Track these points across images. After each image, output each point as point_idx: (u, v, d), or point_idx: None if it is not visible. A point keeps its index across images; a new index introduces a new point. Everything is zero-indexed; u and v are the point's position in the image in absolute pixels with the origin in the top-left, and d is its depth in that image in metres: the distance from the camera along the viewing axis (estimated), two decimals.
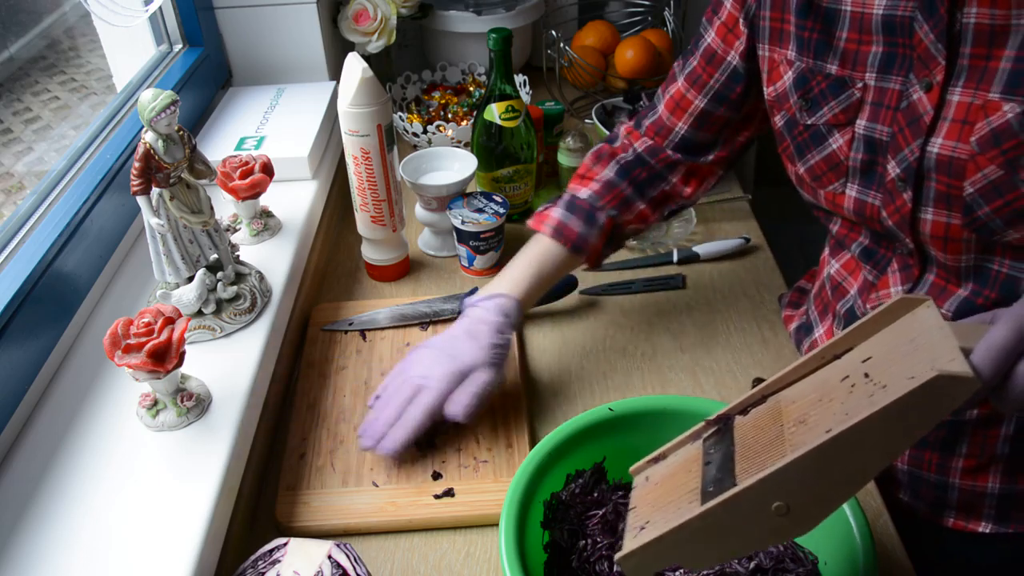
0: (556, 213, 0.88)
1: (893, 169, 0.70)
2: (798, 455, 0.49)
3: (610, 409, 0.73)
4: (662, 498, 0.57)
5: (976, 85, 0.63)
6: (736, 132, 0.89)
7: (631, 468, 0.64)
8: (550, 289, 1.01)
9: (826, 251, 0.91)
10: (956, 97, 0.64)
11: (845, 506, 0.64)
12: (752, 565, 0.67)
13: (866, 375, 0.52)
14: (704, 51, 0.85)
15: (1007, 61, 0.60)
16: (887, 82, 0.69)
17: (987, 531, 0.82)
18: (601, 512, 0.70)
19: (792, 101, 0.77)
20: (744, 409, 0.59)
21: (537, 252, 0.88)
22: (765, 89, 0.81)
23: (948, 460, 0.80)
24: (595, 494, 0.72)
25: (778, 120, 0.80)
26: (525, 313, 0.87)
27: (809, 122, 0.76)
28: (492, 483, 0.79)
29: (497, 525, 0.76)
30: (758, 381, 0.63)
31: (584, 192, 0.90)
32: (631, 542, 0.55)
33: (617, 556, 0.56)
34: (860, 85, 0.71)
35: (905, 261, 0.76)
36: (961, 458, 0.80)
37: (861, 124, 0.72)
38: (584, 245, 0.87)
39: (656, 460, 0.63)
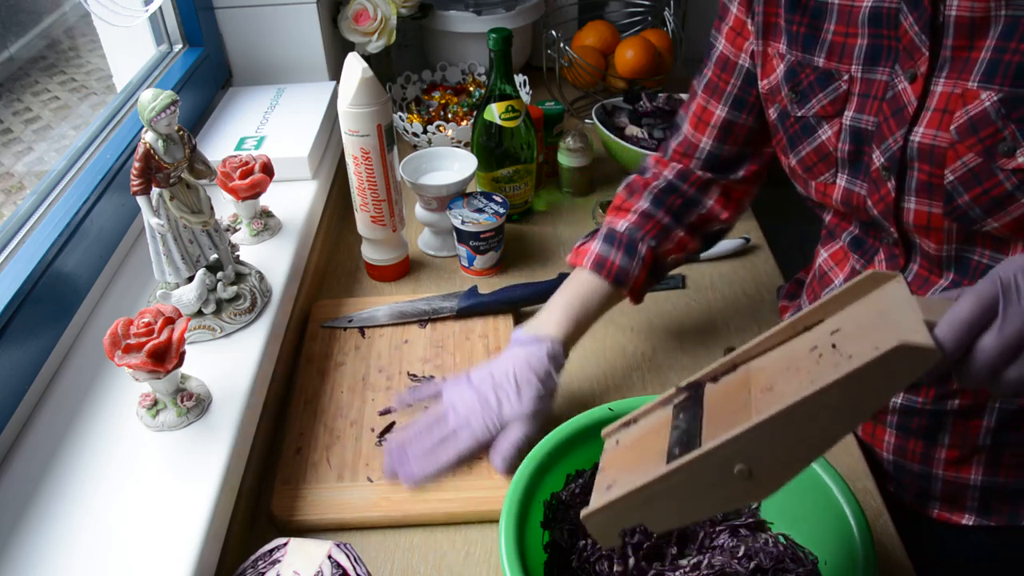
0: (595, 247, 0.86)
1: (878, 158, 0.71)
2: (761, 420, 0.50)
3: (610, 409, 0.73)
4: (630, 461, 0.59)
5: (958, 75, 0.64)
6: (762, 142, 0.89)
7: (603, 431, 0.65)
8: (549, 288, 1.01)
9: (820, 242, 0.92)
10: (939, 87, 0.66)
11: (845, 506, 0.64)
12: (752, 565, 0.67)
13: (833, 346, 0.53)
14: (717, 60, 0.85)
15: (986, 51, 0.62)
16: (873, 73, 0.70)
17: (970, 523, 0.83)
18: None
19: (783, 94, 0.78)
20: (715, 376, 0.60)
21: (579, 288, 0.85)
22: (760, 82, 0.81)
23: (931, 450, 0.81)
24: None
25: (772, 113, 0.81)
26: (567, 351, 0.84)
27: (799, 114, 0.77)
28: (487, 479, 0.79)
29: (492, 521, 0.77)
30: (730, 350, 0.63)
31: (622, 224, 0.87)
32: (596, 501, 0.57)
33: (582, 514, 0.57)
34: (846, 77, 0.72)
35: (891, 251, 0.77)
36: (944, 448, 0.81)
37: (848, 115, 0.73)
38: (626, 278, 0.85)
39: (627, 424, 0.64)
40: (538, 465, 0.68)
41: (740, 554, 0.67)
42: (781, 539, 0.69)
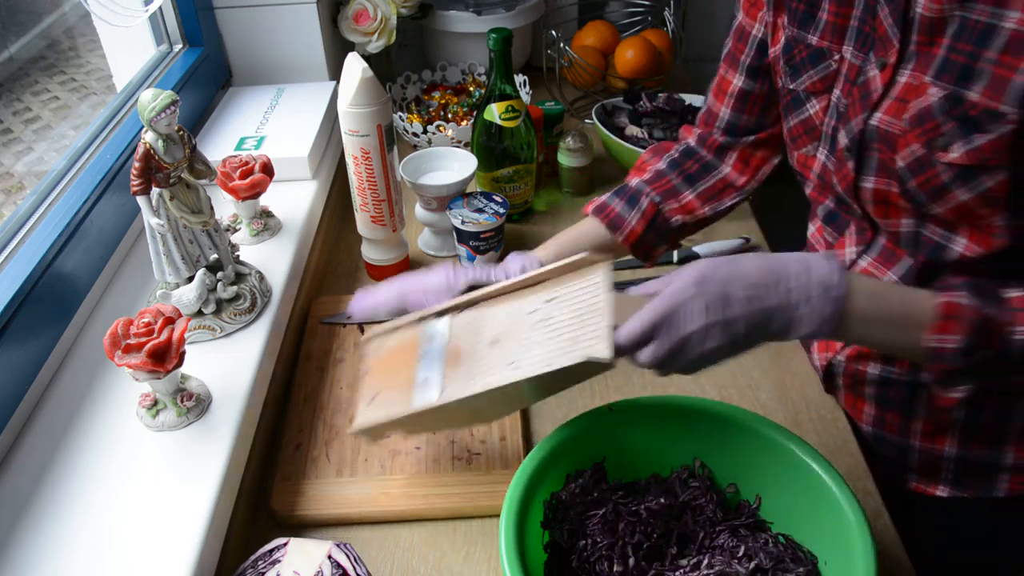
0: (604, 197, 0.91)
1: (843, 139, 0.74)
2: (482, 390, 0.65)
3: (610, 409, 0.73)
4: (390, 373, 0.72)
5: (919, 69, 0.67)
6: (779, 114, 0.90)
7: (363, 337, 0.78)
8: None
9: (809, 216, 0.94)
10: (903, 78, 0.68)
11: (845, 506, 0.64)
12: (752, 565, 0.67)
13: (546, 318, 0.67)
14: (735, 30, 0.87)
15: (943, 49, 0.64)
16: (856, 58, 0.73)
17: (944, 495, 0.84)
18: (601, 512, 0.70)
19: (780, 65, 0.81)
20: (459, 309, 0.73)
21: (576, 229, 0.90)
22: (769, 51, 0.84)
23: (908, 422, 0.83)
24: (595, 494, 0.72)
25: (777, 81, 0.84)
26: None
27: (791, 87, 0.80)
28: (485, 474, 0.80)
29: (489, 516, 0.77)
30: (471, 288, 0.75)
31: (634, 180, 0.92)
32: (362, 413, 0.72)
33: (351, 428, 0.72)
34: (837, 57, 0.75)
35: (860, 224, 0.79)
36: (920, 420, 0.82)
37: (835, 94, 0.75)
38: (620, 223, 0.88)
39: (388, 333, 0.76)
40: (538, 465, 0.68)
41: (740, 554, 0.67)
42: (781, 539, 0.69)
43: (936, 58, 0.64)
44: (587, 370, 0.63)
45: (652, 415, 0.74)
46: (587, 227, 0.90)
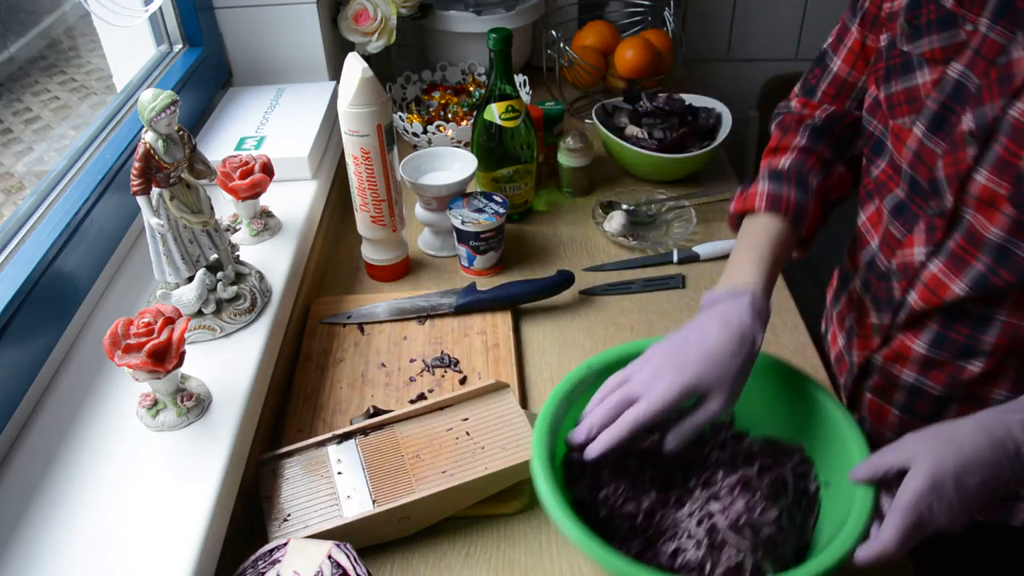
0: (764, 187, 0.80)
1: (967, 122, 0.67)
2: (424, 495, 0.73)
3: (589, 368, 0.75)
4: (302, 495, 0.75)
5: None
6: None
7: (261, 458, 0.78)
8: (547, 285, 1.01)
9: (858, 204, 0.88)
10: None
11: (815, 392, 0.71)
12: (757, 465, 0.70)
13: (467, 433, 0.78)
14: None
15: None
16: (993, 32, 0.66)
17: None
18: (611, 458, 0.71)
19: (899, 23, 0.74)
20: (365, 431, 0.79)
21: (761, 233, 0.78)
22: (882, 5, 0.77)
23: None
24: None
25: (882, 39, 0.77)
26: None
27: (906, 48, 0.73)
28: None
29: (489, 516, 0.78)
30: (375, 410, 0.83)
31: (783, 162, 0.83)
32: (273, 531, 0.72)
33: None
34: (969, 28, 0.67)
35: (932, 222, 0.73)
36: None
37: (956, 68, 0.69)
38: (804, 213, 0.79)
39: (283, 456, 0.78)
40: (551, 421, 0.70)
41: (739, 462, 0.72)
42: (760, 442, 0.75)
43: None
44: (513, 475, 0.75)
45: (623, 362, 0.72)
46: (769, 227, 0.78)
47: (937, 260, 0.73)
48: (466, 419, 0.80)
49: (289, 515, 0.73)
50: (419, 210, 1.12)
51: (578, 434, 0.69)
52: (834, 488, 0.69)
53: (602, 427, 0.67)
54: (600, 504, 0.70)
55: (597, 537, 0.61)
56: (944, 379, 0.78)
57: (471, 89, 1.47)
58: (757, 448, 0.74)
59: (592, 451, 0.67)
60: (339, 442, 0.79)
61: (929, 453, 0.60)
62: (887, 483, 0.63)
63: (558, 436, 0.71)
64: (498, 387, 0.82)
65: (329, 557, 0.65)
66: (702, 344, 0.67)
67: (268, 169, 0.97)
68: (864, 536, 0.61)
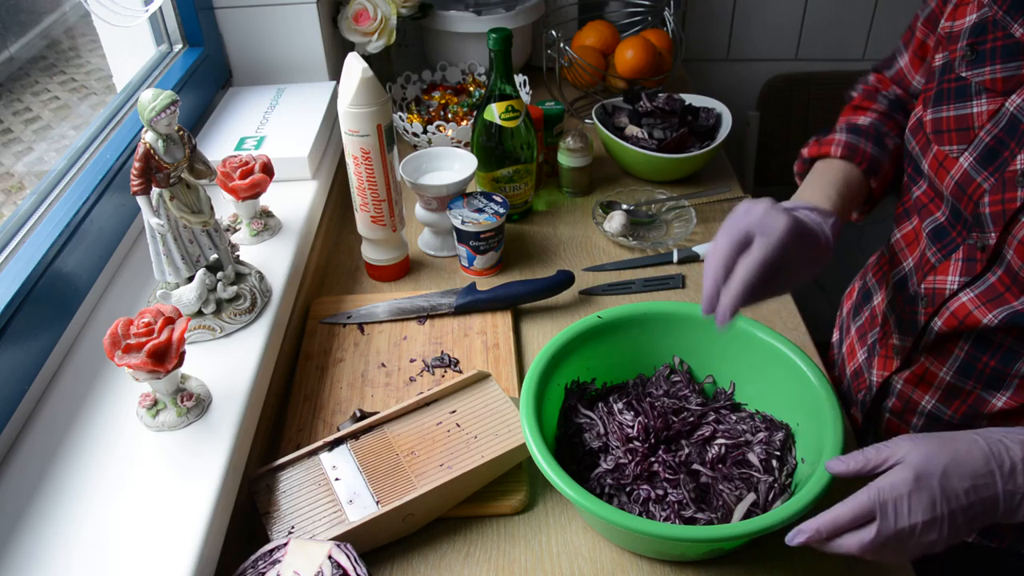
0: (842, 137, 0.80)
1: (1021, 162, 0.65)
2: (427, 490, 0.73)
3: (599, 317, 0.82)
4: (302, 507, 0.74)
5: None
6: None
7: (252, 478, 0.77)
8: (547, 285, 1.01)
9: (894, 220, 0.87)
10: None
11: (810, 374, 0.75)
12: (744, 428, 0.78)
13: (457, 424, 0.79)
14: None
15: None
16: None
17: (972, 540, 0.81)
18: (617, 408, 0.80)
19: (960, 45, 0.72)
20: (356, 435, 0.79)
21: (837, 173, 0.77)
22: (942, 22, 0.75)
23: None
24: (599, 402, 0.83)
25: (938, 59, 0.75)
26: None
27: (964, 74, 0.70)
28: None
29: (489, 516, 0.78)
30: (362, 413, 0.83)
31: (864, 119, 0.83)
32: (277, 539, 0.70)
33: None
34: None
35: (973, 252, 0.72)
36: None
37: (1016, 102, 0.66)
38: (879, 167, 0.78)
39: (276, 470, 0.77)
40: (543, 370, 0.77)
41: (731, 423, 0.79)
42: (758, 415, 0.80)
43: None
44: (510, 460, 0.77)
45: (635, 321, 0.83)
46: (844, 170, 0.78)
47: (971, 291, 0.71)
48: (454, 411, 0.80)
49: (293, 527, 0.72)
50: (419, 210, 1.12)
51: (705, 307, 0.66)
52: (807, 465, 0.74)
53: (716, 287, 0.64)
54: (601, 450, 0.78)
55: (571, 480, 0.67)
56: (964, 410, 0.77)
57: (471, 89, 1.47)
58: (752, 417, 0.80)
59: (722, 317, 0.64)
60: (331, 449, 0.79)
61: (921, 449, 0.59)
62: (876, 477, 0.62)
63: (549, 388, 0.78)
64: (480, 377, 0.83)
65: (329, 557, 0.65)
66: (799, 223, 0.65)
67: (268, 169, 0.97)
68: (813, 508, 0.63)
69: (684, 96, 1.35)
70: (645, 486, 0.74)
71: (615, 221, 1.15)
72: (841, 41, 1.96)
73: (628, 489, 0.75)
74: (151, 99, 0.73)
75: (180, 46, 1.24)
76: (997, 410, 0.74)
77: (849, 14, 1.92)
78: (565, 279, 1.03)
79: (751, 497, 0.73)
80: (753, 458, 0.76)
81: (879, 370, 0.86)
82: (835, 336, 1.01)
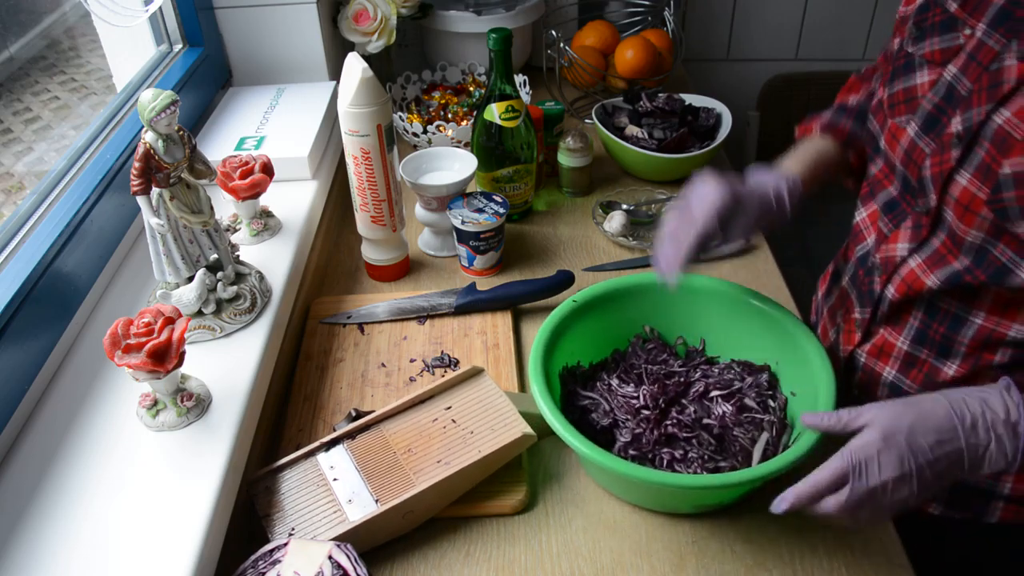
0: (826, 116, 0.89)
1: (956, 124, 0.70)
2: (426, 487, 0.73)
3: (574, 301, 0.86)
4: (302, 508, 0.74)
5: None
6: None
7: (251, 480, 0.77)
8: (547, 285, 1.01)
9: (859, 200, 0.92)
10: None
11: (780, 316, 0.81)
12: (731, 376, 0.84)
13: (453, 420, 0.79)
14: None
15: None
16: (990, 38, 0.69)
17: (936, 513, 0.84)
18: (614, 384, 0.85)
19: (908, 26, 0.78)
20: (352, 435, 0.79)
21: (811, 145, 0.88)
22: (900, 9, 0.82)
23: None
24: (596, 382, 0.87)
25: (895, 44, 0.81)
26: (806, 193, 0.86)
27: (910, 50, 0.77)
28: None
29: (489, 516, 0.78)
30: (357, 412, 0.83)
31: (853, 99, 0.90)
32: (277, 538, 0.71)
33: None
34: (967, 32, 0.71)
35: (919, 220, 0.76)
36: None
37: (951, 71, 0.72)
38: (856, 141, 0.86)
39: (275, 471, 0.77)
40: (543, 353, 0.81)
41: (716, 376, 0.84)
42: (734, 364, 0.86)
43: None
44: (507, 454, 0.77)
45: (606, 297, 0.88)
46: (819, 143, 0.89)
47: (918, 256, 0.76)
48: (449, 408, 0.81)
49: (294, 529, 0.73)
50: (419, 210, 1.12)
51: (657, 263, 0.79)
52: (800, 396, 0.80)
53: (665, 253, 0.78)
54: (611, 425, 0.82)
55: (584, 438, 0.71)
56: (921, 379, 0.80)
57: (471, 89, 1.47)
58: (731, 367, 0.86)
59: (669, 276, 0.77)
60: (327, 449, 0.79)
61: (887, 411, 0.64)
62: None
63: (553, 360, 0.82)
64: (474, 372, 0.83)
65: (329, 557, 0.65)
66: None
67: (268, 169, 0.97)
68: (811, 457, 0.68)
69: (684, 96, 1.35)
70: (666, 449, 0.78)
71: (615, 221, 1.15)
72: (841, 41, 1.96)
73: (650, 455, 0.79)
74: (151, 99, 0.73)
75: (180, 46, 1.24)
76: (949, 379, 0.77)
77: (849, 14, 1.92)
78: (565, 279, 1.03)
79: (765, 436, 0.79)
80: (750, 402, 0.82)
81: (844, 345, 0.89)
82: (812, 319, 1.02)
